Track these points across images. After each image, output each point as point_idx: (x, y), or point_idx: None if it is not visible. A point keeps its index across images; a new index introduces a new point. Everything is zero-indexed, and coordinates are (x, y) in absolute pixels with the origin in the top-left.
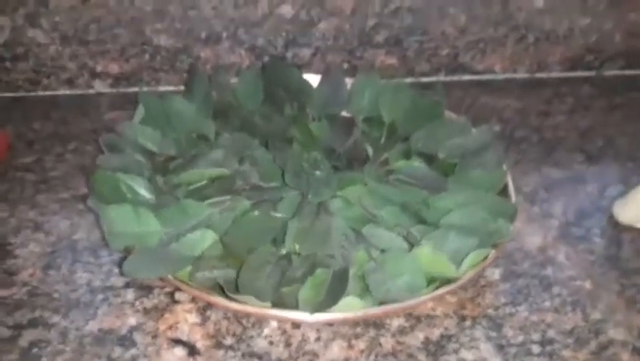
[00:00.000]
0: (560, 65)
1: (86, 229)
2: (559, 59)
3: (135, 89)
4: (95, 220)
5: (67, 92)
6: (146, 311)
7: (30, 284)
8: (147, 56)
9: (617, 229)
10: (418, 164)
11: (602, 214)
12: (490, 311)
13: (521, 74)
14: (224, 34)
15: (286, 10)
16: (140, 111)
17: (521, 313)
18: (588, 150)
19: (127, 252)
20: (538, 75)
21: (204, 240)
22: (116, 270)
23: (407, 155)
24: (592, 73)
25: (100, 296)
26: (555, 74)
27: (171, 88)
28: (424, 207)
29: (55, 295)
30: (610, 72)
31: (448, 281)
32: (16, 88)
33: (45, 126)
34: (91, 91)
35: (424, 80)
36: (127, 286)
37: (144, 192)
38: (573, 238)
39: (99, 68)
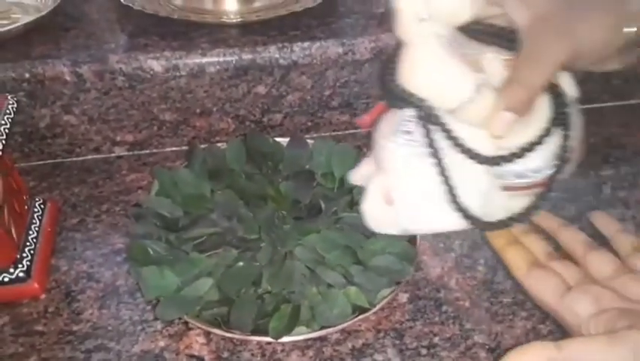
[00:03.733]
0: None
1: (124, 277)
2: None
3: (147, 151)
4: (129, 270)
5: (95, 156)
6: (170, 336)
7: (92, 320)
8: (155, 128)
9: (494, 258)
10: (357, 214)
11: (488, 247)
12: (397, 325)
13: None
14: (215, 109)
15: (260, 90)
16: (156, 185)
17: (417, 326)
18: None
19: (156, 299)
20: None
21: (205, 285)
22: (148, 308)
23: (351, 205)
24: None
25: (139, 327)
26: None
27: (175, 148)
28: (359, 249)
29: (110, 328)
30: None
31: (368, 309)
32: (56, 156)
33: (83, 190)
34: (113, 155)
35: None
36: (156, 319)
37: (163, 252)
38: (463, 268)
39: (118, 138)
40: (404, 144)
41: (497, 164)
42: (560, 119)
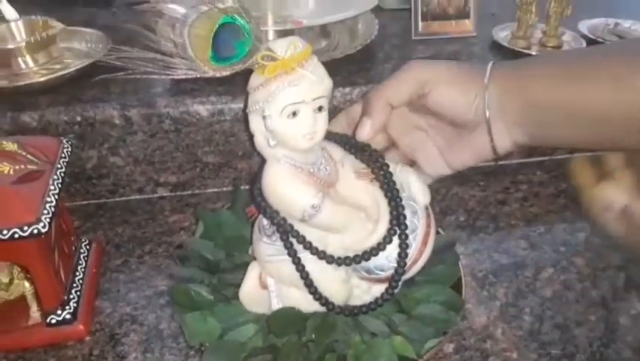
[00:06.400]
0: (519, 153)
1: (167, 321)
2: (517, 149)
3: (189, 192)
4: (172, 314)
5: (138, 197)
6: None
7: None
8: (198, 169)
9: (541, 308)
10: None
11: (533, 295)
12: None
13: (487, 163)
14: (256, 152)
15: None
16: (200, 227)
17: None
18: (531, 237)
19: (200, 344)
20: (501, 162)
21: (249, 331)
22: (192, 352)
23: None
24: (545, 158)
25: None
26: (515, 161)
27: (216, 190)
28: (402, 297)
29: None
30: (560, 156)
31: (414, 360)
32: (100, 197)
33: (126, 230)
34: (155, 196)
35: None
36: None
37: (206, 294)
38: (509, 317)
39: (162, 179)
40: (268, 243)
41: (346, 264)
42: (399, 227)
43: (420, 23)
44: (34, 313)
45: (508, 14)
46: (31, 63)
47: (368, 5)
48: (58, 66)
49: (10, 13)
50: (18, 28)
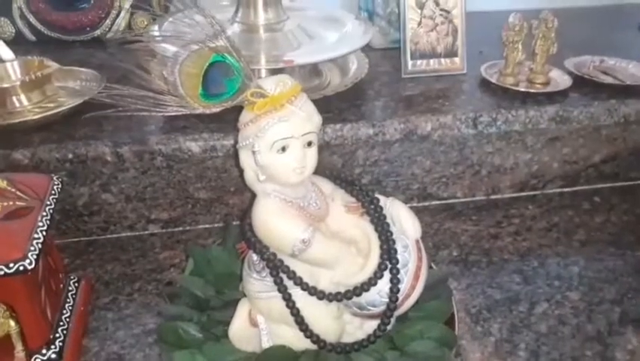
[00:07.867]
0: (510, 188)
1: (155, 360)
2: (509, 184)
3: (180, 228)
4: (160, 353)
5: (129, 233)
6: None
7: None
8: (190, 206)
9: (537, 343)
10: None
11: (528, 330)
12: None
13: (479, 197)
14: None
15: None
16: (190, 264)
17: None
18: (525, 272)
19: None
20: (493, 197)
21: None
22: None
23: None
24: (536, 192)
25: None
26: (507, 195)
27: (207, 226)
28: (395, 334)
29: None
30: (551, 190)
31: None
32: (91, 233)
33: (116, 268)
34: (146, 232)
35: None
36: None
37: (194, 332)
38: (504, 353)
39: (153, 216)
40: (258, 279)
41: (338, 300)
42: (390, 262)
43: (409, 62)
44: (19, 353)
45: (496, 52)
46: (25, 102)
47: (358, 44)
48: (51, 104)
49: (7, 53)
50: (14, 68)
